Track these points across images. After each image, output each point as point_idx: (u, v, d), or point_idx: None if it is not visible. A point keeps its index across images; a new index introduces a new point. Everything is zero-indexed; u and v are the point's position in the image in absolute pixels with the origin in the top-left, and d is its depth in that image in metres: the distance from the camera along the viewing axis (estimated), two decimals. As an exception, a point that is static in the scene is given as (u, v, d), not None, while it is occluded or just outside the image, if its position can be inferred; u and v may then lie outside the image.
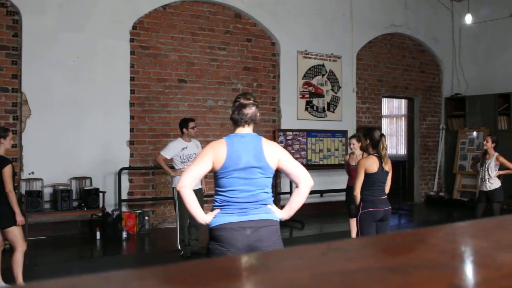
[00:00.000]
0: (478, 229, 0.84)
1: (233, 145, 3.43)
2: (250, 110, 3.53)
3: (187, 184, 3.38)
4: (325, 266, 0.57)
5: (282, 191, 10.36)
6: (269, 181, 3.55)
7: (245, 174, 3.41)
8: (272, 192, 3.65)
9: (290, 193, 9.59)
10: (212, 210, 3.53)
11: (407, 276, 0.54)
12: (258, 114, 3.62)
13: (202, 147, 7.17)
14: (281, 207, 3.76)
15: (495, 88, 12.52)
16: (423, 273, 0.55)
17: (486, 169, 7.79)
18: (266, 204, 3.50)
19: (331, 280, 0.52)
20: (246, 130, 3.54)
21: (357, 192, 5.35)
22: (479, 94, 12.78)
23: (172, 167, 7.02)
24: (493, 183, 7.77)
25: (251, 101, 3.56)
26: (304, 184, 3.51)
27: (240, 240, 3.37)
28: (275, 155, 3.49)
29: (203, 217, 3.47)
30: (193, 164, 3.50)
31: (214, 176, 3.53)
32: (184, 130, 7.00)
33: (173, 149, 6.96)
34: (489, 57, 12.84)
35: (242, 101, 3.55)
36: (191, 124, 7.01)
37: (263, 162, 3.43)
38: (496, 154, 7.80)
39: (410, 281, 0.52)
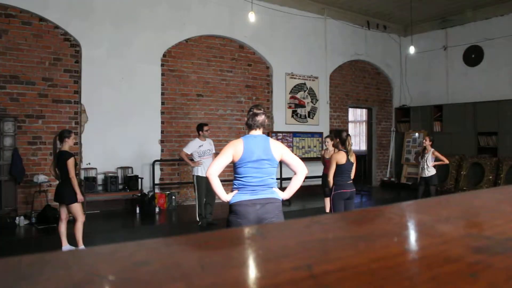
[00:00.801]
0: (422, 206, 0.82)
1: (248, 143, 3.49)
2: (261, 118, 3.61)
3: (214, 172, 3.45)
4: (308, 235, 0.56)
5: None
6: (274, 170, 3.59)
7: (257, 164, 3.46)
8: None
9: (280, 178, 9.61)
10: (232, 191, 3.58)
11: (371, 243, 0.53)
12: (266, 120, 3.68)
13: (214, 145, 7.20)
14: (283, 189, 3.82)
15: (432, 101, 12.56)
16: (383, 241, 0.54)
17: (425, 161, 7.81)
18: (272, 187, 3.56)
19: (312, 246, 0.51)
20: (257, 132, 3.61)
21: (330, 178, 5.36)
22: (420, 105, 12.80)
23: (192, 160, 7.01)
24: (430, 171, 7.78)
25: (261, 111, 3.66)
26: (300, 172, 3.60)
27: (251, 213, 3.43)
28: (279, 150, 3.56)
29: (226, 196, 3.52)
30: (218, 157, 3.53)
31: (233, 166, 3.57)
32: (200, 132, 6.99)
33: (192, 147, 6.95)
34: (427, 78, 12.86)
35: (255, 111, 3.63)
36: (205, 128, 7.01)
37: (270, 155, 3.49)
38: (432, 149, 7.81)
39: (374, 246, 0.51)
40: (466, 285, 0.39)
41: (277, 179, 9.78)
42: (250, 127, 3.62)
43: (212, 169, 3.44)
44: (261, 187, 3.48)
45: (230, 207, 3.54)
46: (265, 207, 3.45)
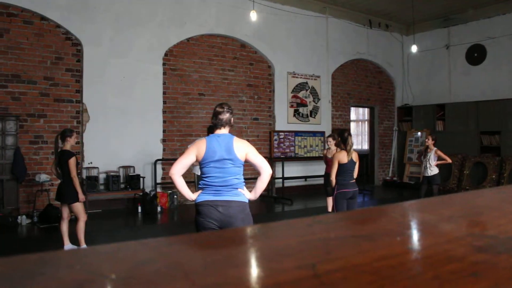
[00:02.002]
0: (425, 205, 0.82)
1: (211, 143, 3.43)
2: (225, 116, 3.52)
3: (176, 171, 3.39)
4: (310, 235, 0.56)
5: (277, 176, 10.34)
6: (240, 170, 3.48)
7: (219, 164, 3.39)
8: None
9: (282, 178, 9.61)
10: (197, 191, 3.55)
11: (373, 242, 0.52)
12: (232, 119, 3.58)
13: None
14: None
15: (434, 100, 12.53)
16: (386, 240, 0.54)
17: (427, 160, 7.79)
18: (237, 188, 3.44)
19: (314, 245, 0.51)
20: (222, 131, 3.54)
21: (333, 178, 5.36)
22: (422, 104, 12.78)
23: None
24: (433, 170, 7.76)
25: (225, 109, 3.55)
26: (264, 172, 3.46)
27: (214, 213, 3.37)
28: (243, 150, 3.44)
29: (191, 195, 3.49)
30: (181, 157, 3.47)
31: (199, 166, 3.52)
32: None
33: None
34: (429, 77, 12.84)
35: (218, 109, 3.56)
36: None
37: (232, 155, 3.40)
38: (435, 148, 7.79)
39: (376, 246, 0.51)
40: (469, 284, 0.39)
41: (278, 178, 9.70)
42: (214, 126, 3.57)
43: (174, 169, 3.38)
44: (225, 188, 3.39)
45: (196, 207, 3.50)
46: (227, 210, 3.37)
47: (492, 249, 0.48)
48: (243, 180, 3.55)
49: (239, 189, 3.46)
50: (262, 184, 3.50)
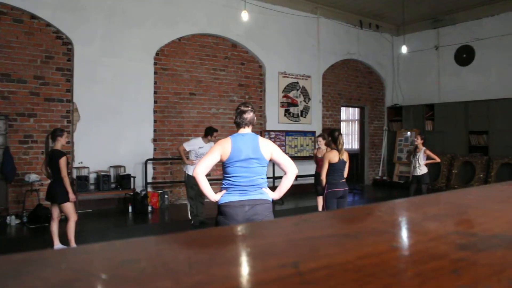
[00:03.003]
0: (411, 204, 0.83)
1: (236, 142, 3.40)
2: (249, 115, 3.51)
3: (201, 171, 3.34)
4: (297, 233, 0.56)
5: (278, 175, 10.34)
6: (264, 170, 3.48)
7: (245, 164, 3.36)
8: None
9: (272, 177, 9.63)
10: (220, 191, 3.48)
11: (359, 240, 0.53)
12: (255, 118, 3.58)
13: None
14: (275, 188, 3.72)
15: (423, 100, 12.63)
16: (370, 238, 0.54)
17: (417, 159, 7.84)
18: (261, 188, 3.44)
19: (301, 244, 0.52)
20: (246, 130, 3.52)
21: (323, 177, 5.38)
22: (412, 104, 12.87)
23: (188, 158, 6.96)
24: (422, 169, 7.82)
25: (249, 108, 3.55)
26: (291, 172, 3.49)
27: (240, 214, 3.33)
28: (268, 149, 3.44)
29: (214, 196, 3.41)
30: (205, 156, 3.43)
31: (222, 166, 3.47)
32: (209, 136, 6.87)
33: (193, 144, 6.87)
34: (419, 78, 12.94)
35: (243, 108, 3.54)
36: (215, 134, 6.87)
37: (258, 154, 3.38)
38: (424, 148, 7.85)
39: (361, 244, 0.52)
40: (450, 281, 0.39)
41: (269, 178, 9.74)
42: (238, 125, 3.53)
43: (199, 169, 3.33)
44: (250, 187, 3.37)
45: (219, 208, 3.43)
46: (254, 208, 3.35)
47: (474, 247, 0.49)
48: (266, 179, 3.54)
49: (263, 188, 3.45)
50: (288, 182, 3.52)
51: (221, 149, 3.39)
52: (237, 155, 3.35)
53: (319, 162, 6.95)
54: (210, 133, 6.88)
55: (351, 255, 0.46)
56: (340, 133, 5.46)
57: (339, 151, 5.34)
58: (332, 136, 5.44)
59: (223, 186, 3.46)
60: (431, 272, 0.41)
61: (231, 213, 3.34)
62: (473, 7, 11.36)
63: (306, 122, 11.40)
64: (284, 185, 3.53)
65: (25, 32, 7.68)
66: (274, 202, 9.07)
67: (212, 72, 9.88)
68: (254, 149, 3.39)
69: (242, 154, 3.35)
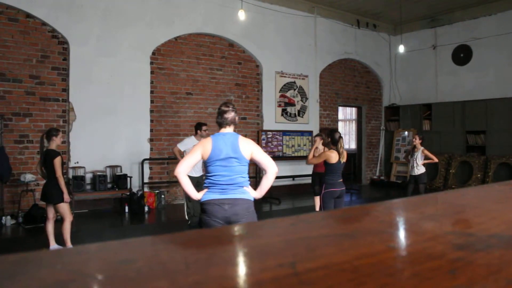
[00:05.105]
0: (408, 204, 0.83)
1: (217, 141, 3.45)
2: (230, 115, 3.54)
3: (182, 171, 3.41)
4: (294, 233, 0.56)
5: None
6: (245, 169, 3.52)
7: (225, 163, 3.41)
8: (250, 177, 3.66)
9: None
10: (203, 189, 3.55)
11: (355, 240, 0.53)
12: (236, 117, 3.60)
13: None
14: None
15: (421, 99, 12.66)
16: (367, 238, 0.54)
17: (414, 159, 7.87)
18: (242, 186, 3.48)
19: (298, 244, 0.52)
20: (227, 130, 3.55)
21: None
22: (409, 104, 12.91)
23: (183, 158, 6.94)
24: (420, 169, 7.84)
25: (230, 108, 3.57)
26: (271, 171, 3.50)
27: (220, 212, 3.39)
28: (249, 148, 3.48)
29: (196, 195, 3.49)
30: (187, 156, 3.50)
31: (204, 165, 3.54)
32: (198, 131, 6.89)
33: (187, 144, 6.87)
34: (416, 77, 12.97)
35: (223, 108, 3.57)
36: (203, 127, 6.91)
37: (238, 153, 3.43)
38: (422, 148, 7.88)
39: (358, 244, 0.52)
40: (446, 281, 0.39)
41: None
42: (220, 125, 3.56)
43: (180, 168, 3.39)
44: (230, 186, 3.42)
45: (201, 206, 3.52)
46: (233, 208, 3.40)
47: (470, 247, 0.49)
48: (248, 178, 3.58)
49: (244, 187, 3.49)
50: (268, 182, 3.55)
51: (202, 148, 3.46)
52: (217, 154, 3.41)
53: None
54: (198, 128, 6.92)
55: (348, 255, 0.46)
56: (341, 136, 5.49)
57: (340, 153, 5.38)
58: (332, 137, 5.46)
59: (205, 184, 3.54)
60: (428, 272, 0.41)
61: (211, 210, 3.41)
62: (471, 7, 11.40)
63: (303, 122, 11.41)
64: (265, 185, 3.57)
65: (20, 31, 7.66)
66: (266, 201, 9.08)
67: (208, 71, 9.87)
68: (234, 148, 3.43)
69: (222, 153, 3.41)
